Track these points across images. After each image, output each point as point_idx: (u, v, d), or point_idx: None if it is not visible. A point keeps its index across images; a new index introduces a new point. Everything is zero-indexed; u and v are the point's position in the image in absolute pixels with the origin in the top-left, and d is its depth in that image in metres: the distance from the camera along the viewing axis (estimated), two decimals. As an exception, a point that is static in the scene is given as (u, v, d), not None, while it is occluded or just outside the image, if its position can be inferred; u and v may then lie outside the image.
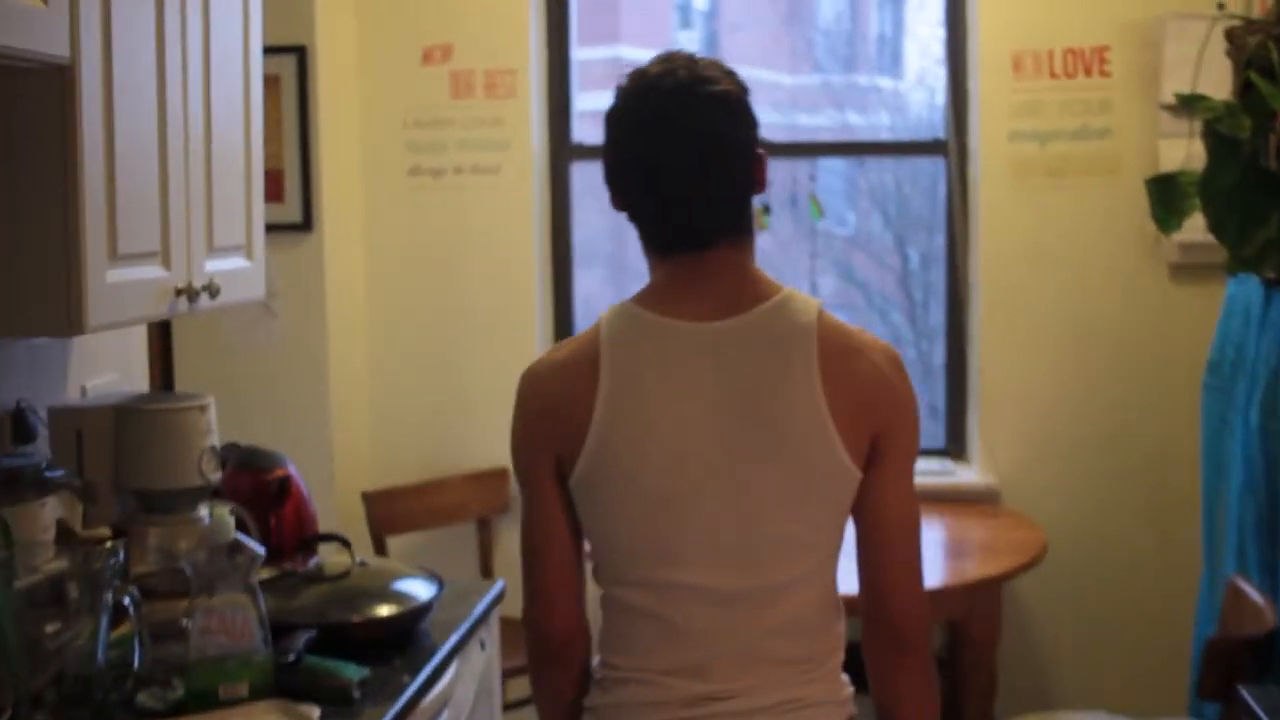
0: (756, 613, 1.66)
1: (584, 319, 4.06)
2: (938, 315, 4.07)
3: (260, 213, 2.49)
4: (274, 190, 3.72)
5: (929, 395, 4.08)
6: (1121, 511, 3.78)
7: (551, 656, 1.77)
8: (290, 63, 3.70)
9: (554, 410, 1.68)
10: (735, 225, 1.68)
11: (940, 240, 4.05)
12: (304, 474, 3.85)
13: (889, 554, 1.70)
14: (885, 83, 4.74)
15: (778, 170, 3.74)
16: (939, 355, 4.06)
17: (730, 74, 1.67)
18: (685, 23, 6.63)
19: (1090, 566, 3.76)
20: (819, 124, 4.81)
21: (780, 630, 1.67)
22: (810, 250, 3.97)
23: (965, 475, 3.90)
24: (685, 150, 1.63)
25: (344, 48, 3.90)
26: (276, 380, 3.79)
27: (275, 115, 3.70)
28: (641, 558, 1.67)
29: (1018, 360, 3.84)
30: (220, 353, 3.80)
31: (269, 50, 3.79)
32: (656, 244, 1.70)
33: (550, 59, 4.06)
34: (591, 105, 4.13)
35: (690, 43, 6.29)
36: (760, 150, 1.68)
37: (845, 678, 1.75)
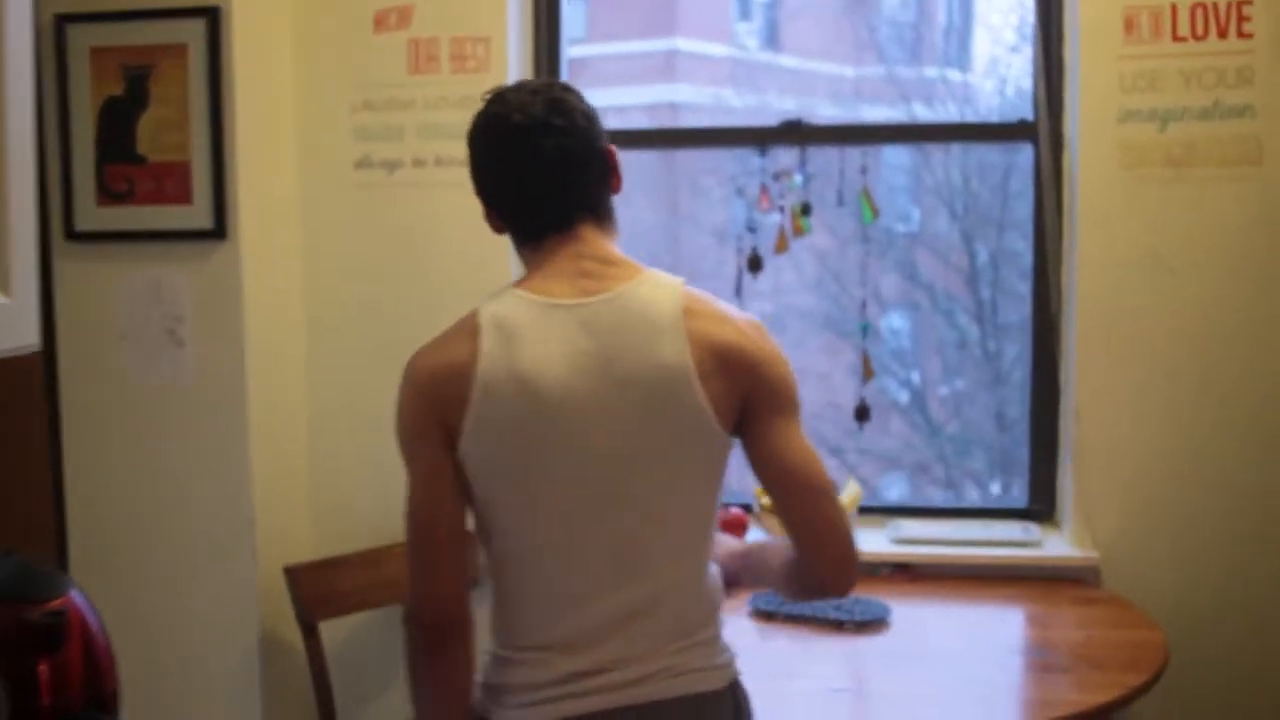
0: (631, 583, 1.73)
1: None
2: (1006, 313, 3.27)
3: (24, 227, 1.71)
4: (178, 189, 2.98)
5: (1003, 412, 3.28)
6: (1259, 598, 2.92)
7: (440, 641, 1.76)
8: (199, 28, 2.93)
9: (440, 379, 1.73)
10: (595, 210, 1.82)
11: (1011, 238, 3.23)
12: (218, 543, 3.14)
13: (800, 509, 1.76)
14: (953, 74, 4.19)
15: (829, 162, 2.95)
16: (1011, 351, 3.26)
17: (563, 100, 1.79)
18: (745, 14, 6.03)
19: (1217, 673, 2.91)
20: (883, 116, 4.15)
21: (656, 600, 1.74)
22: (864, 249, 3.15)
23: (1054, 546, 3.06)
24: (543, 168, 1.79)
25: (272, 10, 3.13)
26: (184, 424, 3.04)
27: (180, 94, 2.95)
28: (522, 523, 1.75)
29: (1125, 399, 2.99)
30: (117, 389, 3.05)
31: (172, 13, 3.09)
32: (527, 233, 1.84)
33: (535, 21, 3.27)
34: (621, 100, 3.39)
35: (750, 34, 5.64)
36: (609, 147, 1.84)
37: (725, 644, 1.84)
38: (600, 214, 1.82)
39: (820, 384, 3.76)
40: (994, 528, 3.14)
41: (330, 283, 3.25)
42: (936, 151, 3.80)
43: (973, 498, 4.18)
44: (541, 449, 1.70)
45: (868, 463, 3.98)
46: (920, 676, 2.42)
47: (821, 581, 1.80)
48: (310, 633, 2.95)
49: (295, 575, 2.94)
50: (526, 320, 1.73)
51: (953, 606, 2.88)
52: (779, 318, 4.00)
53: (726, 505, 3.18)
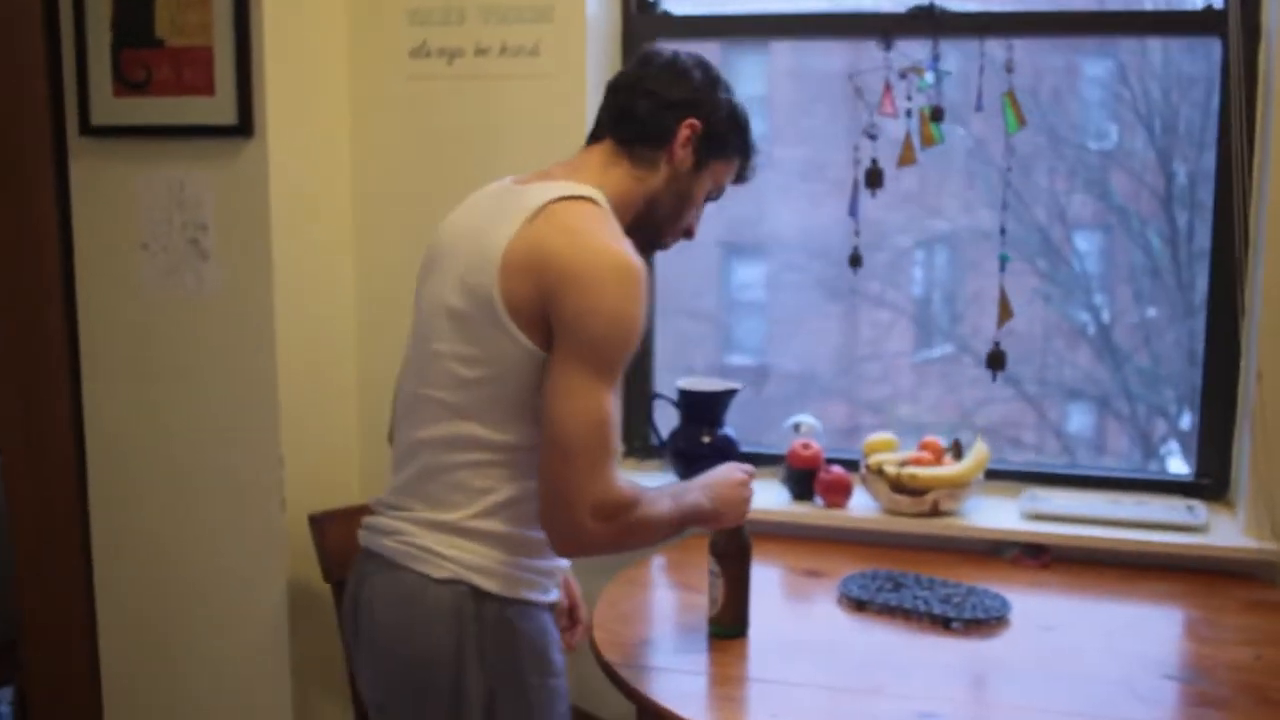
0: (415, 459, 1.89)
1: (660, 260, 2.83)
2: (1203, 240, 2.72)
3: None
4: (198, 78, 2.59)
5: (1195, 348, 2.73)
6: None
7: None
8: (225, -111, 2.53)
9: None
10: (619, 145, 1.92)
11: (1211, 159, 2.64)
12: (244, 483, 2.78)
13: (541, 456, 1.76)
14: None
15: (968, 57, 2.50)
16: (1205, 282, 2.69)
17: (672, 65, 1.94)
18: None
19: None
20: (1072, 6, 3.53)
21: (421, 478, 1.87)
22: (1008, 163, 2.59)
23: (1224, 532, 2.50)
24: (607, 90, 1.98)
25: None
26: (209, 344, 2.69)
27: (202, -33, 2.55)
28: None
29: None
30: (139, 305, 2.71)
31: None
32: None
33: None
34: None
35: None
36: (688, 120, 1.90)
37: (475, 552, 1.83)
38: (622, 152, 1.91)
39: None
40: (1151, 506, 2.60)
41: (381, 189, 2.84)
42: (1133, 63, 3.21)
43: (1160, 433, 3.61)
44: (412, 346, 1.98)
45: (1048, 393, 3.54)
46: (1033, 701, 1.93)
47: (548, 538, 1.79)
48: (339, 588, 2.58)
49: (321, 525, 2.56)
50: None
51: (1090, 604, 2.36)
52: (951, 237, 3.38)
53: (829, 463, 2.71)
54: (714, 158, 1.94)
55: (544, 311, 1.73)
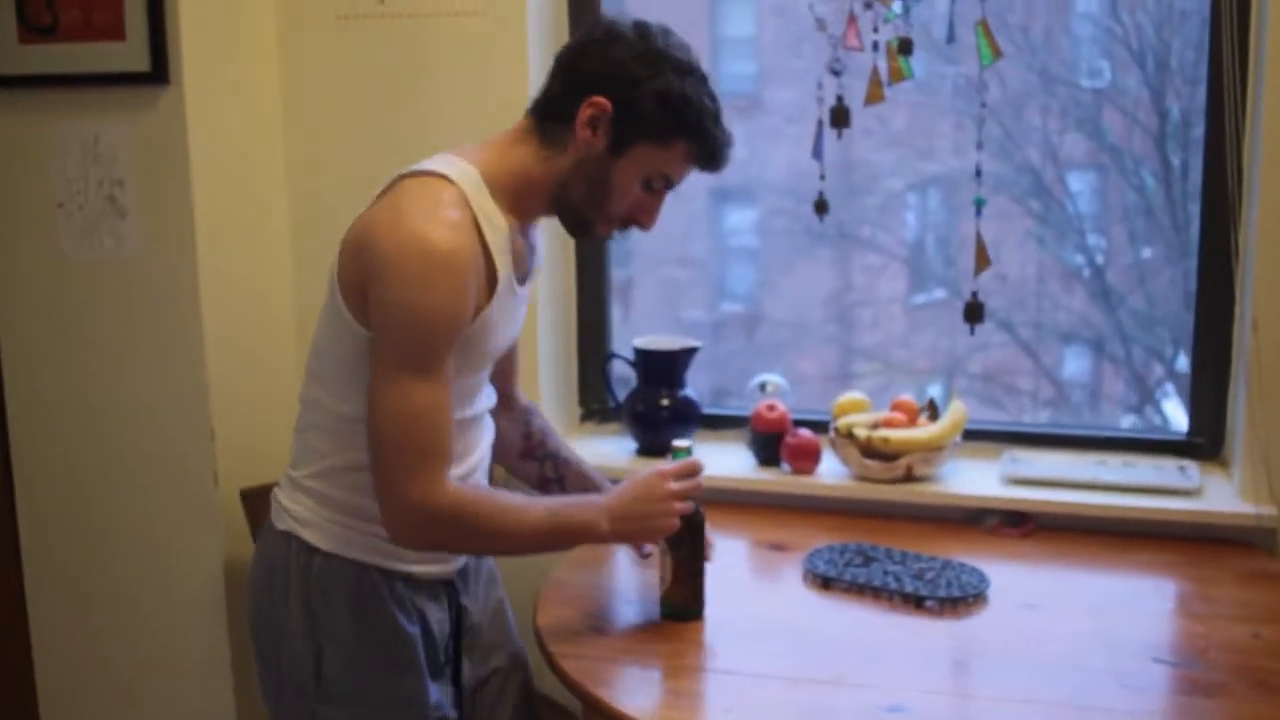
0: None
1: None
2: (1198, 179, 2.52)
3: None
4: (108, 21, 2.40)
5: (1191, 289, 2.57)
6: None
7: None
8: None
9: None
10: (532, 119, 1.83)
11: (1203, 96, 2.46)
12: (175, 455, 2.60)
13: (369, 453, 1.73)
14: None
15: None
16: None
17: (600, 37, 1.78)
18: None
19: None
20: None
21: (294, 436, 1.93)
22: (978, 100, 2.40)
23: (1218, 496, 2.34)
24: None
25: None
26: (132, 309, 2.51)
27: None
28: None
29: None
30: (56, 268, 2.52)
31: None
32: None
33: None
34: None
35: None
36: (591, 98, 1.75)
37: (306, 506, 1.86)
38: (534, 129, 1.82)
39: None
40: (1141, 467, 2.43)
41: (313, 138, 2.64)
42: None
43: (1156, 376, 3.52)
44: None
45: (1043, 338, 3.47)
46: (1012, 691, 1.77)
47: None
48: (276, 570, 2.42)
49: (254, 500, 2.40)
50: None
51: (1074, 578, 2.20)
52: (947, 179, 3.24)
53: (796, 426, 2.54)
54: (639, 141, 1.76)
55: (365, 292, 1.70)
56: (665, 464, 1.91)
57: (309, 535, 1.85)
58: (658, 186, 1.81)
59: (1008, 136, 3.35)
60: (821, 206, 2.49)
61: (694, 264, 3.37)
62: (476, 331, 1.75)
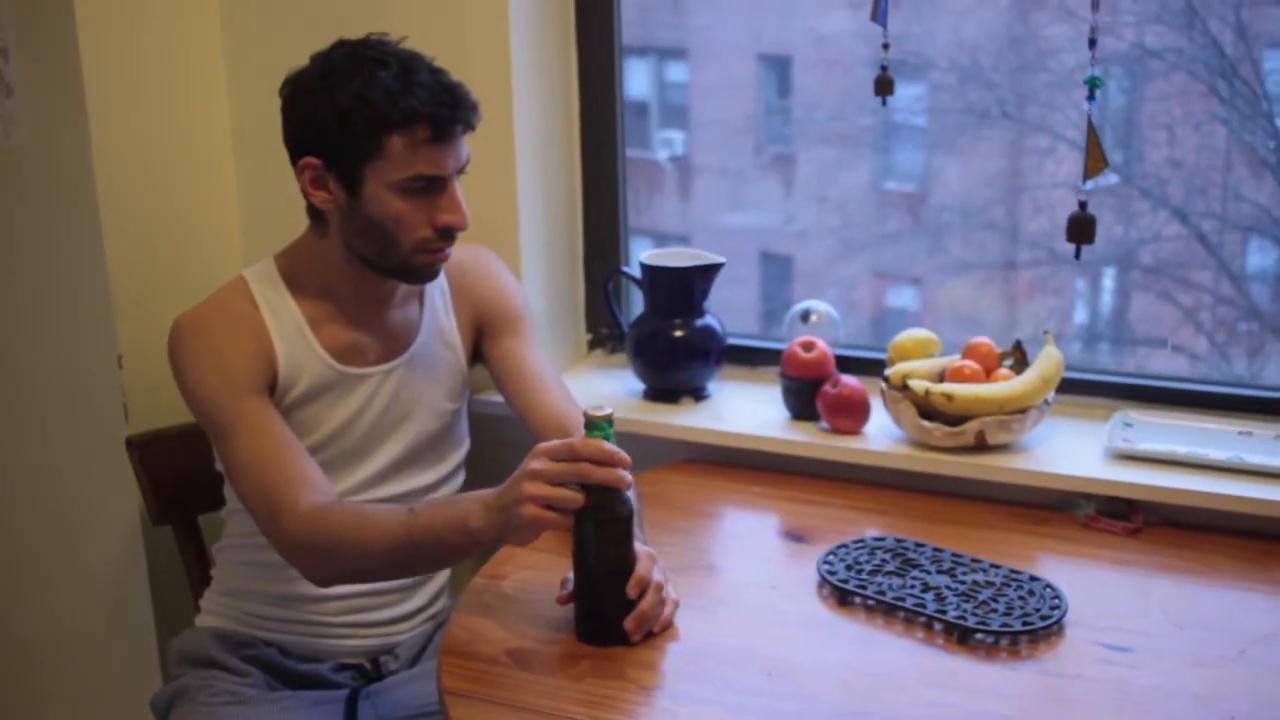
0: None
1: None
2: None
3: None
4: None
5: None
6: None
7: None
8: None
9: None
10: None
11: None
12: (80, 386, 2.15)
13: None
14: None
15: None
16: None
17: (285, 96, 1.66)
18: None
19: None
20: None
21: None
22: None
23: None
24: None
25: None
26: (26, 205, 2.05)
27: None
28: None
29: None
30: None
31: None
32: None
33: None
34: None
35: None
36: (298, 169, 1.66)
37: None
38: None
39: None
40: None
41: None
42: None
43: None
44: None
45: (1226, 230, 2.97)
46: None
47: None
48: (185, 530, 1.97)
49: (145, 450, 1.93)
50: None
51: (1199, 603, 1.58)
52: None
53: (841, 370, 1.97)
54: (360, 167, 1.61)
55: None
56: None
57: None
58: (420, 186, 1.62)
59: (1190, 8, 2.91)
60: (884, 86, 1.88)
61: (854, 140, 2.98)
62: (297, 412, 1.70)
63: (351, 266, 1.70)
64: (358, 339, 1.75)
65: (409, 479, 1.81)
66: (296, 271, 1.73)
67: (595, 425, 1.40)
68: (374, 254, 1.67)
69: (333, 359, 1.72)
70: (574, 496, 1.39)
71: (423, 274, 1.70)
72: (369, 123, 1.58)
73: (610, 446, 1.39)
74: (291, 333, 1.70)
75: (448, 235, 1.66)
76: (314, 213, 1.70)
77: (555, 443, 1.42)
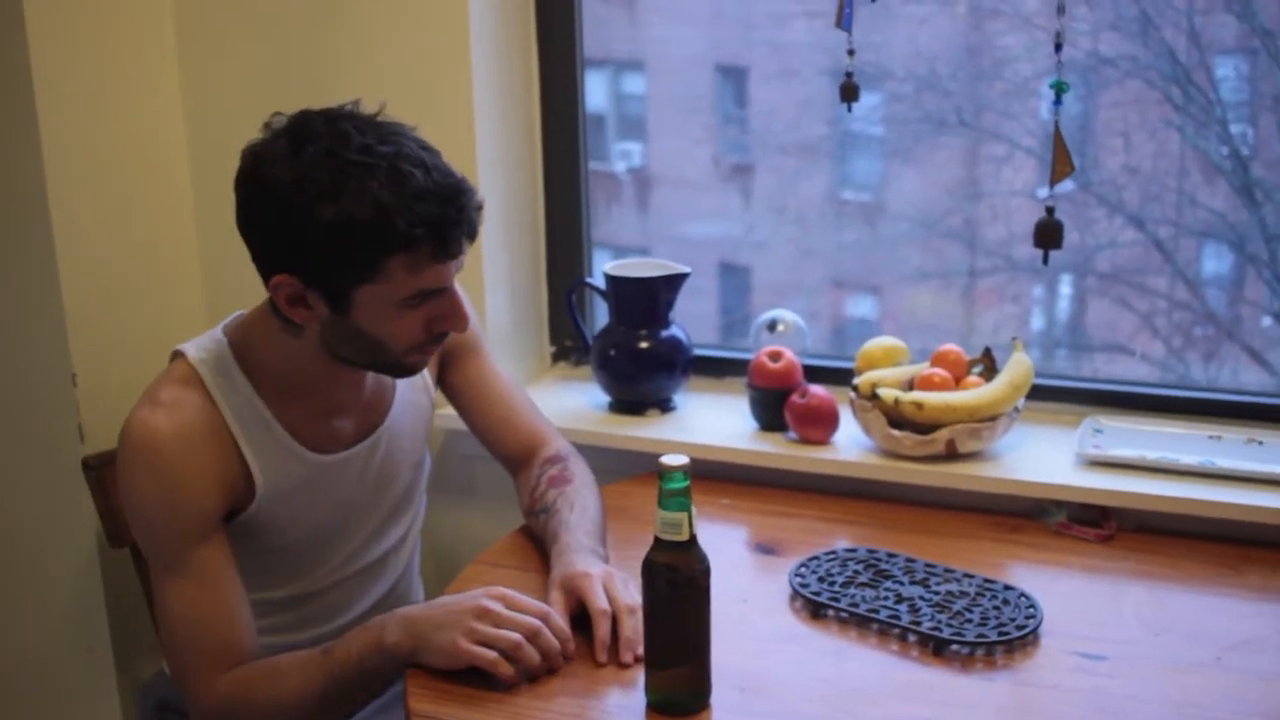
0: None
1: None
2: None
3: None
4: None
5: None
6: None
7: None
8: None
9: None
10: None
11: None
12: (32, 402, 2.10)
13: None
14: None
15: None
16: None
17: (244, 191, 1.43)
18: None
19: None
20: None
21: None
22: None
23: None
24: None
25: None
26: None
27: None
28: None
29: None
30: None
31: None
32: None
33: None
34: None
35: None
36: (270, 286, 1.43)
37: None
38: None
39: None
40: (1272, 446, 1.81)
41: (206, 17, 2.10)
42: None
43: None
44: None
45: (1181, 235, 3.07)
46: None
47: None
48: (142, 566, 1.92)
49: (100, 472, 1.89)
50: None
51: (1172, 610, 1.58)
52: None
53: (809, 380, 1.95)
54: (352, 289, 1.40)
55: None
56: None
57: None
58: (417, 303, 1.43)
59: (1143, 15, 2.93)
60: (849, 92, 1.87)
61: (810, 151, 2.98)
62: (277, 514, 1.54)
63: (329, 365, 1.52)
64: (333, 425, 1.59)
65: (390, 535, 1.72)
66: (255, 359, 1.53)
67: (671, 478, 1.30)
68: (360, 358, 1.50)
69: (310, 452, 1.56)
70: (514, 640, 1.38)
71: (414, 370, 1.54)
72: (363, 246, 1.37)
73: (567, 633, 1.42)
74: (261, 436, 1.52)
75: (436, 338, 1.50)
76: (284, 318, 1.48)
77: (524, 602, 1.42)
